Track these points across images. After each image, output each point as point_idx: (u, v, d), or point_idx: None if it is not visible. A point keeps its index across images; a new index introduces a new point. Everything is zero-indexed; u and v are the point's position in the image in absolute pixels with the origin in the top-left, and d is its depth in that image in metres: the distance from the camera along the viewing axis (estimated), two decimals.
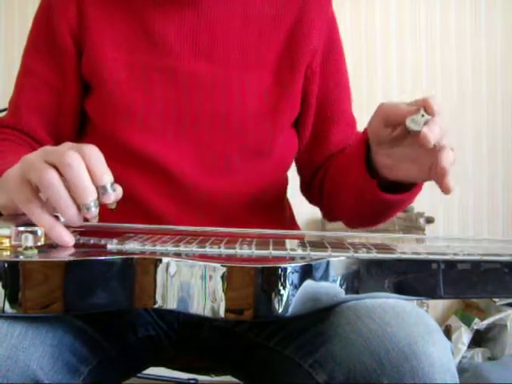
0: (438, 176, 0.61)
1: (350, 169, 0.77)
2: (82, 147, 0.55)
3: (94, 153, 0.55)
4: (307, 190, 0.96)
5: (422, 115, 0.59)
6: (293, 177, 0.94)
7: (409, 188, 0.72)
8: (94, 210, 0.54)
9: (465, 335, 1.99)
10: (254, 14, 0.85)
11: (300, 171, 0.96)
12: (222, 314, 0.49)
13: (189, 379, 1.66)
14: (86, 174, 0.53)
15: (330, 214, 0.93)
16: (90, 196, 0.53)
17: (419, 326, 0.54)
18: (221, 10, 0.83)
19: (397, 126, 0.65)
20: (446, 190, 0.61)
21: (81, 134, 0.87)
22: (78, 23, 0.82)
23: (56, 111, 0.84)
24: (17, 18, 2.21)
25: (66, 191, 0.53)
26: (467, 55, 2.27)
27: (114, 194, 0.55)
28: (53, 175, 0.53)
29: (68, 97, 0.84)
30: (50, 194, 0.54)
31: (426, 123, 0.59)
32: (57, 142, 0.82)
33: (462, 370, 1.80)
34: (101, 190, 0.54)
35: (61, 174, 0.54)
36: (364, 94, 2.10)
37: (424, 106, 0.59)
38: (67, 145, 0.57)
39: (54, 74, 0.83)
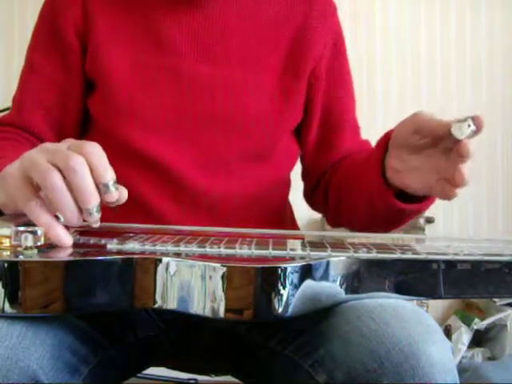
0: (456, 180, 0.62)
1: (362, 173, 0.77)
2: (83, 144, 0.55)
3: (96, 150, 0.54)
4: (311, 197, 0.96)
5: (469, 125, 0.59)
6: (292, 177, 0.94)
7: (421, 199, 0.72)
8: (96, 215, 0.54)
9: (465, 335, 1.99)
10: (260, 18, 0.85)
11: (305, 178, 0.96)
12: (221, 313, 0.49)
13: (189, 379, 1.66)
14: (90, 179, 0.53)
15: (336, 221, 0.92)
16: (93, 201, 0.53)
17: (419, 325, 0.54)
18: (227, 12, 0.83)
19: (426, 136, 0.64)
20: (452, 195, 0.64)
21: (83, 132, 0.87)
22: (83, 21, 0.82)
23: (60, 109, 0.84)
24: (17, 17, 2.21)
25: (68, 194, 0.53)
26: (466, 52, 2.27)
27: (117, 193, 0.54)
28: (57, 178, 0.52)
29: (72, 95, 0.84)
30: (52, 195, 0.53)
31: (468, 135, 0.59)
32: (60, 139, 0.82)
33: (462, 369, 1.80)
34: (103, 188, 0.54)
35: (63, 175, 0.53)
36: (364, 94, 2.09)
37: (473, 118, 0.59)
38: (69, 142, 0.57)
39: (59, 72, 0.83)
